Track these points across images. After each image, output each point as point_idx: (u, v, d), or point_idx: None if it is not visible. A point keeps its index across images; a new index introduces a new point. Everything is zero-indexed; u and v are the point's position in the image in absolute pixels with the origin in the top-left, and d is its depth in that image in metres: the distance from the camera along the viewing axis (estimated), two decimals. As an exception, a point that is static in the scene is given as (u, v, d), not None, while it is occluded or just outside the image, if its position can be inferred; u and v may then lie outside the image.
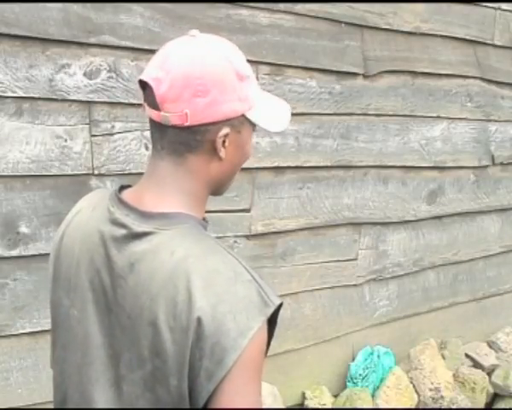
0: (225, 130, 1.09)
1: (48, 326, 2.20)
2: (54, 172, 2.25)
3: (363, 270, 3.21)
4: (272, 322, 1.05)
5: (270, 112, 1.17)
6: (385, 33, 3.06)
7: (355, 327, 3.23)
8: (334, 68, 2.92)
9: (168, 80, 1.05)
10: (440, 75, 3.32)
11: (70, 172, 2.28)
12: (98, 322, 1.10)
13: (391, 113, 3.17)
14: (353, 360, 3.22)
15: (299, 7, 2.75)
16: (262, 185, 2.80)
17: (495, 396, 3.53)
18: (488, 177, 3.65)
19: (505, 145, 3.68)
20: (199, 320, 0.98)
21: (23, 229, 2.22)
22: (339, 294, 3.15)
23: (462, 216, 3.58)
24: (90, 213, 1.16)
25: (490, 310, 3.81)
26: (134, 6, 2.33)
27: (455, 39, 3.33)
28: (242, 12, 2.60)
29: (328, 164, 2.99)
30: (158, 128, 1.09)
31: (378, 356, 3.22)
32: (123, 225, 1.08)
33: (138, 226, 1.07)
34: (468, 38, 3.36)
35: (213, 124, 1.07)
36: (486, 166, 3.62)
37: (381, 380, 3.20)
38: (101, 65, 2.29)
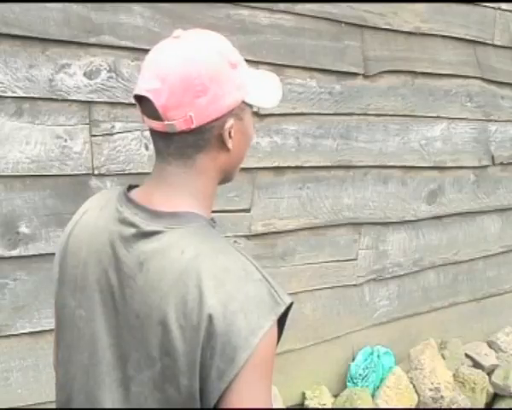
0: (230, 121, 1.09)
1: (48, 326, 2.21)
2: (54, 172, 2.25)
3: (363, 270, 3.21)
4: (282, 321, 1.05)
5: (265, 89, 1.16)
6: (385, 33, 3.06)
7: (355, 327, 3.22)
8: (334, 68, 2.92)
9: (166, 89, 1.04)
10: (440, 75, 3.32)
11: (70, 173, 2.28)
12: (105, 323, 1.09)
13: (391, 113, 3.17)
14: (353, 360, 3.22)
15: (299, 7, 2.75)
16: (262, 185, 2.80)
17: (495, 396, 3.52)
18: (488, 177, 3.65)
19: (505, 145, 3.67)
20: (210, 318, 0.98)
21: (23, 229, 2.22)
22: (339, 294, 3.15)
23: (462, 216, 3.58)
24: (97, 213, 1.16)
25: (490, 310, 3.81)
26: (134, 6, 2.33)
27: (455, 39, 3.33)
28: (242, 12, 2.60)
29: (328, 164, 2.99)
30: (162, 137, 1.08)
31: (378, 356, 3.22)
32: (132, 225, 1.08)
33: (147, 225, 1.07)
34: (468, 37, 3.36)
35: (218, 119, 1.07)
36: (486, 166, 3.62)
37: (381, 380, 3.20)
38: (101, 65, 2.29)
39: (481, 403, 3.39)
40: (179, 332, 1.00)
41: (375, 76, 3.07)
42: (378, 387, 3.18)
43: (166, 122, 1.05)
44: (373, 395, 3.15)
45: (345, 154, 3.03)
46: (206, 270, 1.01)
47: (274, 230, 2.86)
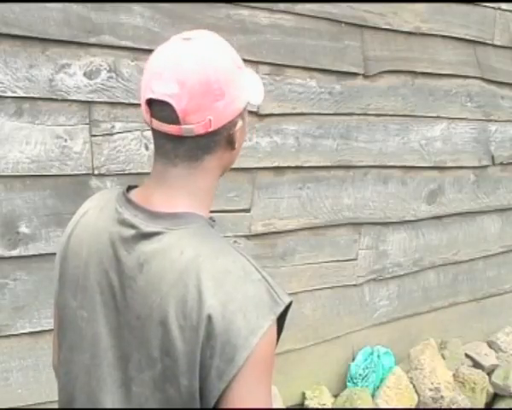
0: (240, 122, 1.11)
1: (48, 326, 2.21)
2: (54, 172, 2.25)
3: (363, 270, 3.21)
4: (281, 321, 1.05)
5: (255, 86, 1.18)
6: (385, 33, 3.06)
7: (355, 327, 3.23)
8: (334, 68, 2.92)
9: (186, 93, 1.04)
10: (440, 75, 3.32)
11: (70, 173, 2.28)
12: (106, 323, 1.10)
13: (391, 113, 3.17)
14: (353, 360, 3.22)
15: (299, 7, 2.75)
16: (262, 185, 2.80)
17: (495, 396, 3.52)
18: (488, 177, 3.65)
19: (505, 145, 3.67)
20: (209, 318, 0.99)
21: (23, 229, 2.22)
22: (339, 294, 3.15)
23: (462, 216, 3.58)
24: (97, 213, 1.16)
25: (490, 310, 3.81)
26: (134, 6, 2.33)
27: (455, 39, 3.33)
28: (242, 12, 2.60)
29: (328, 164, 2.99)
30: (171, 139, 1.08)
31: (378, 356, 3.22)
32: (132, 226, 1.08)
33: (147, 226, 1.07)
34: (468, 37, 3.36)
35: (231, 121, 1.09)
36: (486, 166, 3.62)
37: (381, 380, 3.20)
38: (101, 65, 2.29)
39: (481, 403, 3.39)
40: (179, 332, 1.00)
41: (375, 76, 3.07)
42: (378, 387, 3.18)
43: (184, 126, 1.05)
44: (373, 395, 3.15)
45: (345, 154, 3.03)
46: (206, 270, 1.02)
47: (274, 230, 2.86)
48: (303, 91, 2.84)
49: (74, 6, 2.20)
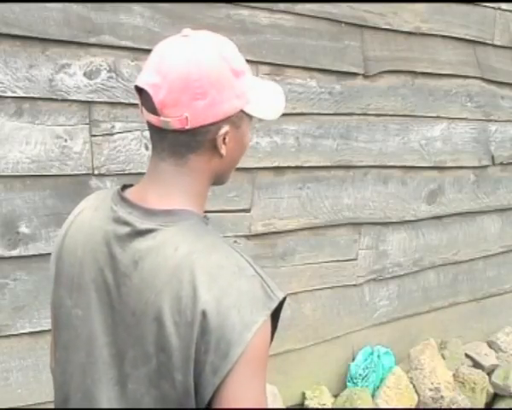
0: (225, 128, 1.09)
1: (48, 326, 2.21)
2: (54, 172, 2.25)
3: (363, 270, 3.21)
4: (275, 316, 1.05)
5: (266, 100, 1.17)
6: (385, 33, 3.06)
7: (355, 327, 3.23)
8: (334, 68, 2.92)
9: (166, 85, 1.04)
10: (440, 75, 3.32)
11: (70, 173, 2.28)
12: (102, 321, 1.10)
13: (391, 113, 3.17)
14: (353, 360, 3.22)
15: (299, 7, 2.75)
16: (262, 185, 2.80)
17: (495, 396, 3.52)
18: (488, 177, 3.65)
19: (505, 145, 3.68)
20: (203, 314, 0.99)
21: (23, 229, 2.22)
22: (339, 294, 3.15)
23: (462, 216, 3.58)
24: (92, 213, 1.16)
25: (490, 310, 3.81)
26: (134, 6, 2.33)
27: (455, 39, 3.33)
28: (242, 12, 2.60)
29: (328, 164, 2.99)
30: (157, 132, 1.09)
31: (378, 356, 3.22)
32: (126, 223, 1.09)
33: (142, 224, 1.08)
34: (468, 37, 3.36)
35: (213, 124, 1.07)
36: (486, 166, 3.62)
37: (381, 380, 3.20)
38: (101, 65, 2.29)
39: (481, 403, 3.39)
40: (174, 328, 1.01)
41: (375, 76, 3.07)
42: (378, 387, 3.18)
43: (162, 118, 1.06)
44: (373, 395, 3.15)
45: (345, 154, 3.03)
46: (200, 266, 1.02)
47: (274, 230, 2.86)
48: (303, 91, 2.84)
49: (74, 6, 2.20)
